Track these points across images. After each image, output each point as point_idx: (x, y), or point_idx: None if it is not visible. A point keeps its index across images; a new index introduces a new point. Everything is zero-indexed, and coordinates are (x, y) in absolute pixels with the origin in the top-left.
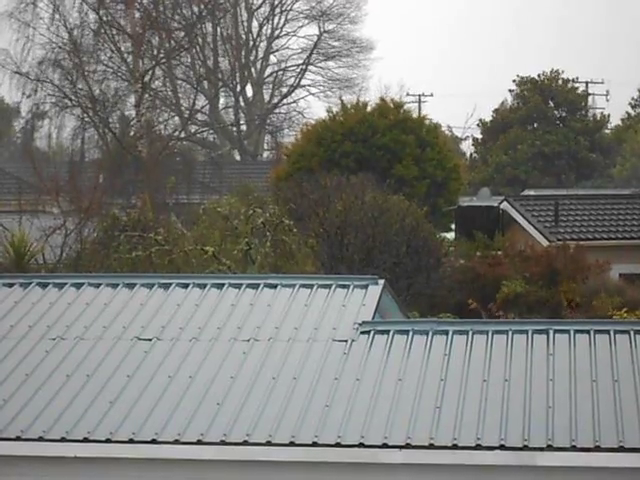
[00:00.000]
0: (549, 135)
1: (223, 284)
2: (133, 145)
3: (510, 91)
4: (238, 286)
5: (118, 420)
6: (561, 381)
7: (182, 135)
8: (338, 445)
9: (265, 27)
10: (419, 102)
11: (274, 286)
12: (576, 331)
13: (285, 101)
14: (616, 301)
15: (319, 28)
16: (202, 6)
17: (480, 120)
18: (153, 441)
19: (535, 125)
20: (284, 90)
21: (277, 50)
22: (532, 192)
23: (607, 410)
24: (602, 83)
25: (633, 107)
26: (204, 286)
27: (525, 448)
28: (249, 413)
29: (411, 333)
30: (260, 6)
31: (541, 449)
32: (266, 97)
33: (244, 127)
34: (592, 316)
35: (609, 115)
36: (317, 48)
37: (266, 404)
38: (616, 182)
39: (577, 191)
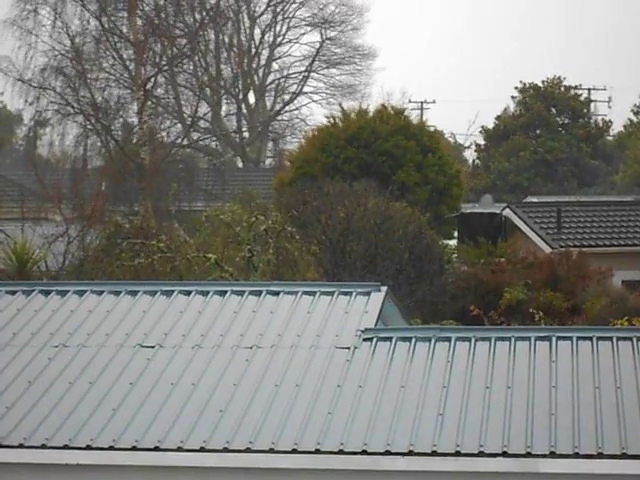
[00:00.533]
0: (551, 142)
1: (225, 291)
2: (135, 152)
3: (512, 98)
4: (240, 293)
5: (121, 427)
6: (564, 388)
7: (184, 142)
8: (341, 452)
9: (267, 34)
10: (421, 109)
11: (276, 293)
12: (579, 338)
13: (287, 108)
14: (618, 308)
15: (321, 35)
16: (204, 13)
17: (482, 127)
18: (156, 448)
19: (537, 132)
20: (286, 97)
21: (279, 57)
22: (534, 199)
23: (610, 417)
24: (604, 90)
25: (635, 114)
26: (206, 293)
27: (528, 455)
28: (252, 420)
29: (414, 340)
30: (262, 13)
31: (544, 456)
32: (268, 104)
33: (246, 134)
34: (594, 323)
35: (611, 122)
36: (319, 55)
37: (269, 411)
38: (618, 189)
39: (579, 198)
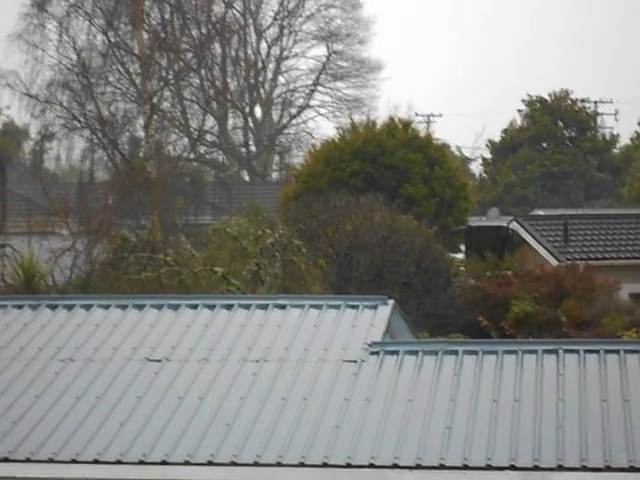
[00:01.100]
0: (558, 155)
1: (232, 305)
2: (142, 166)
3: (519, 111)
4: (247, 307)
5: (128, 441)
6: (571, 401)
7: (191, 156)
8: (348, 466)
9: (274, 48)
10: (428, 122)
11: (283, 307)
12: (586, 351)
13: (294, 122)
14: (625, 320)
15: (328, 49)
16: (210, 27)
17: (489, 140)
18: (163, 462)
19: (544, 145)
20: (293, 111)
21: (286, 71)
22: (541, 212)
23: (617, 430)
24: (611, 102)
25: None
26: (213, 307)
27: (536, 468)
28: (259, 434)
29: (421, 353)
30: (269, 27)
31: (551, 469)
32: (275, 118)
33: (253, 148)
34: (601, 335)
35: (618, 135)
36: (326, 69)
37: (276, 425)
38: (625, 201)
39: (586, 210)
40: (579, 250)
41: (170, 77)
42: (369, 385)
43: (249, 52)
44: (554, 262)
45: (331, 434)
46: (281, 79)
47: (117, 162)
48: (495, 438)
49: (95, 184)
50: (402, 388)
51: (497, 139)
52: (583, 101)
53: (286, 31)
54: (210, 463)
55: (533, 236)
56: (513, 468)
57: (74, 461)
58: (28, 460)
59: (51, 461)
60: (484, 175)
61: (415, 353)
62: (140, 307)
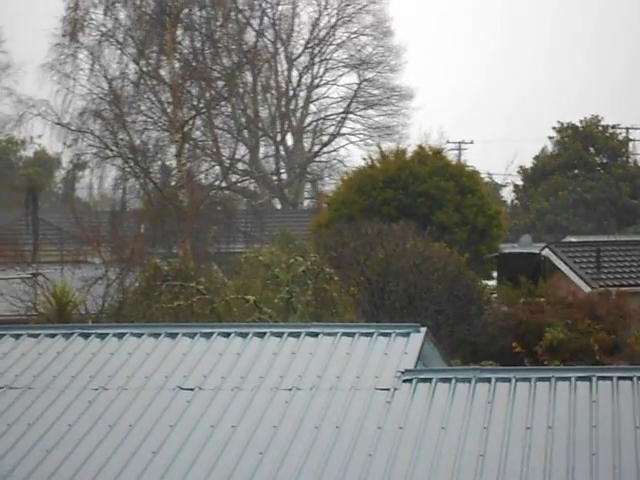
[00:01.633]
0: (590, 181)
1: (265, 333)
2: (174, 195)
3: (550, 138)
4: (280, 335)
5: (161, 470)
6: (604, 428)
7: (223, 184)
8: None
9: (305, 76)
10: (459, 149)
11: (316, 335)
12: (619, 378)
13: (325, 149)
14: None
15: (359, 76)
16: (242, 55)
17: (521, 167)
18: None
19: (576, 171)
20: (324, 139)
21: (317, 99)
22: (573, 238)
23: None
24: None
25: None
26: (246, 335)
27: None
28: (292, 462)
29: (454, 381)
30: (300, 55)
31: None
32: (306, 146)
33: (284, 176)
34: (634, 362)
35: None
36: (357, 96)
37: (309, 453)
38: None
39: (619, 237)
40: (611, 277)
41: (201, 106)
42: (402, 413)
43: (280, 80)
44: (587, 289)
45: (364, 462)
46: (312, 107)
47: (149, 191)
48: (528, 465)
49: (127, 213)
50: (435, 416)
51: (529, 166)
52: (614, 127)
53: (317, 59)
54: None
55: (565, 263)
56: None
57: None
58: None
59: None
60: (516, 202)
61: (448, 381)
62: (173, 335)
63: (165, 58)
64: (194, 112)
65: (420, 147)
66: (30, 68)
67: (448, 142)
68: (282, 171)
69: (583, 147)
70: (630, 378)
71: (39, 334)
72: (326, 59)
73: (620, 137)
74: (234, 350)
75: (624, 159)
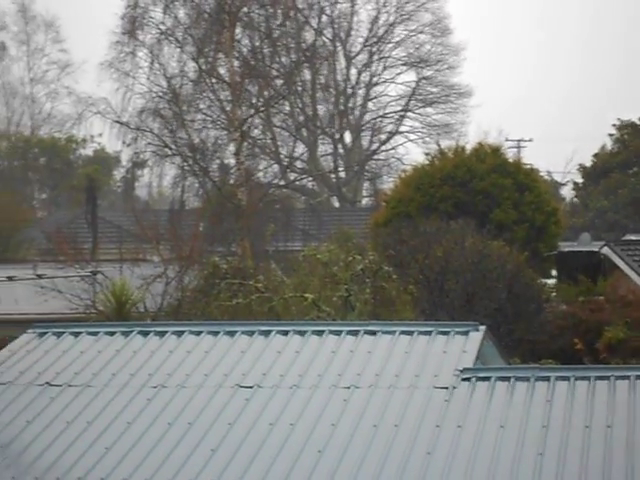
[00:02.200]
0: None
1: (323, 331)
2: (233, 193)
3: (610, 135)
4: (338, 333)
5: (220, 468)
6: None
7: (281, 183)
8: None
9: (363, 74)
10: (518, 147)
11: (374, 333)
12: None
13: (383, 147)
14: None
15: (417, 74)
16: (300, 54)
17: (580, 165)
18: None
19: (636, 169)
20: (382, 137)
21: (375, 97)
22: (633, 237)
23: None
24: None
25: None
26: (304, 333)
27: None
28: (351, 460)
29: (513, 380)
30: (358, 53)
31: None
32: (365, 144)
33: (343, 174)
34: None
35: None
36: (415, 94)
37: (368, 451)
38: None
39: None
40: None
41: (260, 104)
42: (461, 411)
43: (339, 78)
44: None
45: (423, 461)
46: (370, 105)
47: (208, 189)
48: (587, 464)
49: (186, 211)
50: (494, 414)
51: (588, 163)
52: None
53: (376, 57)
54: None
55: (625, 261)
56: None
57: None
58: None
59: None
60: (575, 200)
61: (507, 379)
62: (231, 333)
63: (224, 56)
64: (253, 110)
65: (479, 144)
66: (89, 66)
67: (507, 140)
68: (340, 169)
69: None
70: None
71: (98, 332)
72: (384, 57)
73: None
74: (292, 348)
75: None
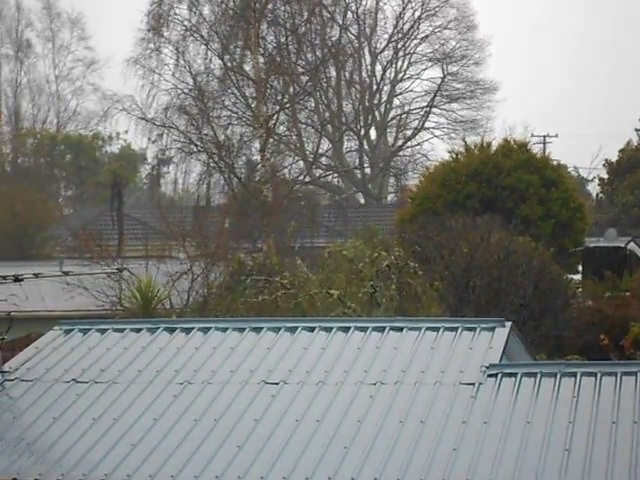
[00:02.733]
0: None
1: (349, 327)
2: (258, 190)
3: (636, 130)
4: (364, 329)
5: (246, 464)
6: None
7: (307, 179)
8: None
9: (389, 70)
10: (544, 143)
11: (400, 329)
12: None
13: (409, 144)
14: None
15: (442, 70)
16: (325, 50)
17: (606, 160)
18: None
19: None
20: (408, 133)
21: (401, 93)
22: None
23: None
24: None
25: None
26: (330, 329)
27: None
28: (377, 456)
29: (539, 375)
30: (383, 50)
31: None
32: (390, 140)
33: (368, 170)
34: None
35: None
36: (441, 90)
37: (393, 447)
38: None
39: None
40: None
41: (285, 101)
42: (487, 407)
43: (364, 75)
44: None
45: (449, 457)
46: (396, 101)
47: (233, 186)
48: (614, 460)
49: (211, 207)
50: (520, 410)
51: (614, 159)
52: None
53: (401, 53)
54: None
55: None
56: None
57: None
58: None
59: None
60: (601, 195)
61: (533, 375)
62: (257, 330)
63: (249, 53)
64: (278, 107)
65: (505, 140)
66: (115, 63)
67: (533, 135)
68: (366, 165)
69: None
70: None
71: (124, 329)
72: (410, 53)
73: None
74: (318, 344)
75: None
